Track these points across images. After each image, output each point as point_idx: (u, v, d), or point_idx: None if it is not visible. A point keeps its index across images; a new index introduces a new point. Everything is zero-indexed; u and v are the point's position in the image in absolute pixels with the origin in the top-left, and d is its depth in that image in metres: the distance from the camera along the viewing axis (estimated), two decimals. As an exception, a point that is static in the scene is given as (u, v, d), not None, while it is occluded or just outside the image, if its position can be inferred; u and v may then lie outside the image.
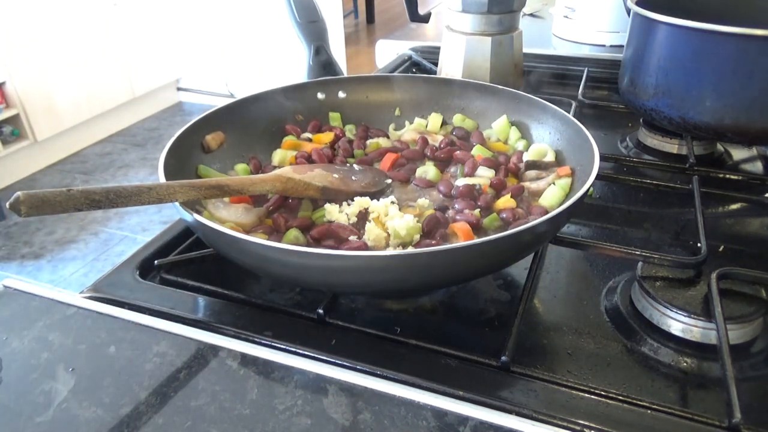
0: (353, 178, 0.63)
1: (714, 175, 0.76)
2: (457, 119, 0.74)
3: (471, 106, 0.74)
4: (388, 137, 0.74)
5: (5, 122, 2.82)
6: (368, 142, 0.72)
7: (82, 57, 3.09)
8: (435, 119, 0.74)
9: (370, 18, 5.13)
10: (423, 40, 1.29)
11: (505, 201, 0.58)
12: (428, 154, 0.68)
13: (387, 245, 0.53)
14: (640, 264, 0.55)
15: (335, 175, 0.61)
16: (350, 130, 0.74)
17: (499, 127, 0.71)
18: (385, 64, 1.19)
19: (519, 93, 0.71)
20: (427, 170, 0.64)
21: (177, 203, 0.48)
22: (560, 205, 0.56)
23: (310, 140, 0.71)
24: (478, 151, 0.67)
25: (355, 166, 0.66)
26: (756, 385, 0.47)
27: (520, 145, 0.68)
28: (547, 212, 0.56)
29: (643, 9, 0.78)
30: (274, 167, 0.66)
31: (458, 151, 0.67)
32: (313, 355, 0.46)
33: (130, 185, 0.45)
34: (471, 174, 0.63)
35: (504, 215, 0.56)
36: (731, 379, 0.42)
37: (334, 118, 0.74)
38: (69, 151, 3.22)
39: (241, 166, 0.66)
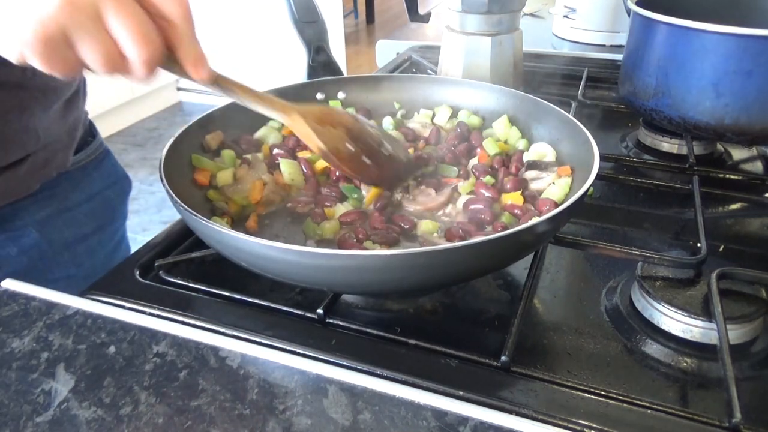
0: (368, 160, 0.57)
1: (714, 175, 0.76)
2: (463, 114, 0.73)
3: (471, 105, 0.74)
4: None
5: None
6: (384, 126, 0.72)
7: (82, 57, 3.09)
8: (444, 111, 0.74)
9: (370, 18, 5.13)
10: (423, 40, 1.29)
11: (514, 197, 0.58)
12: (443, 152, 0.68)
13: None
14: (640, 264, 0.55)
15: (350, 147, 0.56)
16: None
17: (499, 127, 0.71)
18: (385, 64, 1.19)
19: (519, 93, 0.71)
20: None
21: (179, 203, 0.48)
22: (560, 205, 0.56)
23: None
24: (490, 144, 0.67)
25: (387, 144, 0.59)
26: (756, 385, 0.47)
27: (521, 144, 0.68)
28: (557, 204, 0.56)
29: (643, 9, 0.78)
30: (256, 139, 0.68)
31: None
32: (313, 355, 0.46)
33: None
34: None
35: (516, 211, 0.57)
36: (731, 379, 0.42)
37: (334, 104, 0.74)
38: (69, 151, 3.22)
39: (227, 152, 0.65)
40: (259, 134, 0.69)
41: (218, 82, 0.50)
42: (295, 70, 0.88)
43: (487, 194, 0.60)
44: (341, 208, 0.58)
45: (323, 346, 0.47)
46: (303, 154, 0.65)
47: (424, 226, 0.56)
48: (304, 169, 0.63)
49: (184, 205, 0.48)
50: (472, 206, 0.58)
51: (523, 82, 1.01)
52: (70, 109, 0.73)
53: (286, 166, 0.62)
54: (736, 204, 0.74)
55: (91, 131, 0.82)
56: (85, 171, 0.78)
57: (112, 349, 0.45)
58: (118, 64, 0.42)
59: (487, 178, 0.62)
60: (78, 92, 0.75)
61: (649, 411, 0.42)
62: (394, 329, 0.49)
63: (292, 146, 0.67)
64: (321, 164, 0.64)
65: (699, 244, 0.57)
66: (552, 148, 0.65)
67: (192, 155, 0.62)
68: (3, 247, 0.70)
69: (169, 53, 0.44)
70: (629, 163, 0.81)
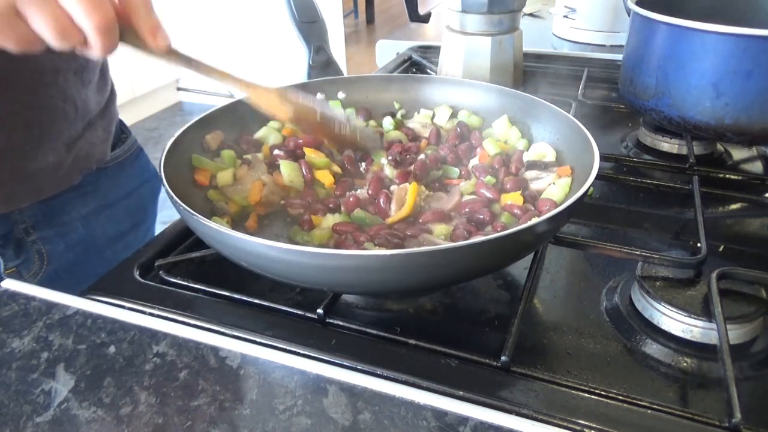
0: (341, 130, 0.62)
1: (714, 175, 0.76)
2: (463, 114, 0.74)
3: (471, 105, 0.74)
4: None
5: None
6: (384, 127, 0.72)
7: (82, 57, 3.09)
8: (444, 111, 0.74)
9: (370, 18, 5.13)
10: (423, 40, 1.29)
11: (514, 197, 0.58)
12: (446, 153, 0.67)
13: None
14: (640, 264, 0.55)
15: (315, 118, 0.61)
16: (350, 114, 0.74)
17: (499, 127, 0.71)
18: (385, 64, 1.19)
19: (519, 93, 0.71)
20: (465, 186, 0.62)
21: (179, 203, 0.48)
22: (560, 205, 0.56)
23: None
24: (491, 144, 0.67)
25: (353, 122, 0.65)
26: (756, 385, 0.47)
27: (521, 144, 0.68)
28: (557, 204, 0.56)
29: (643, 9, 0.78)
30: (256, 140, 0.69)
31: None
32: (313, 355, 0.46)
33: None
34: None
35: (516, 211, 0.56)
36: (731, 379, 0.42)
37: (335, 104, 0.74)
38: (69, 151, 3.22)
39: (227, 152, 0.65)
40: (259, 134, 0.69)
41: (176, 53, 0.51)
42: (295, 70, 0.88)
43: (488, 194, 0.59)
44: (330, 219, 0.57)
45: (323, 346, 0.47)
46: (309, 155, 0.65)
47: (438, 230, 0.55)
48: (305, 172, 0.63)
49: (183, 205, 0.48)
50: (469, 207, 0.58)
51: (523, 82, 1.01)
52: (101, 87, 0.76)
53: (286, 168, 0.62)
54: (736, 204, 0.74)
55: (122, 129, 0.86)
56: (122, 167, 0.82)
57: (112, 349, 0.45)
58: (72, 34, 0.42)
59: (488, 178, 0.62)
60: (105, 71, 0.78)
61: (649, 411, 0.42)
62: (394, 329, 0.49)
63: (293, 147, 0.67)
64: (321, 170, 0.64)
65: (699, 244, 0.57)
66: (552, 148, 0.65)
67: (192, 155, 0.62)
68: (51, 243, 0.74)
69: (126, 24, 0.45)
70: (629, 163, 0.81)
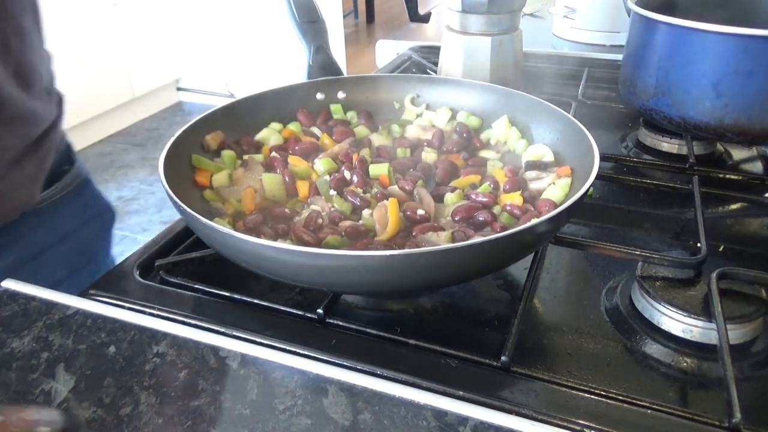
0: None
1: (714, 175, 0.76)
2: (462, 115, 0.73)
3: (471, 106, 0.74)
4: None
5: (5, 122, 2.81)
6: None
7: (81, 57, 3.09)
8: (443, 112, 0.73)
9: (370, 18, 5.13)
10: (423, 40, 1.29)
11: (513, 197, 0.58)
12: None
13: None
14: (640, 264, 0.55)
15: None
16: (352, 117, 0.74)
17: (499, 127, 0.71)
18: (385, 64, 1.19)
19: (519, 93, 0.71)
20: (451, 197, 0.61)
21: (179, 203, 0.48)
22: (560, 205, 0.56)
23: (316, 137, 0.70)
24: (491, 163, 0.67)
25: None
26: (756, 385, 0.47)
27: (520, 145, 0.68)
28: (556, 204, 0.56)
29: (643, 9, 0.78)
30: (257, 141, 0.68)
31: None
32: (313, 355, 0.46)
33: None
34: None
35: (516, 211, 0.56)
36: (731, 379, 0.42)
37: (336, 110, 0.74)
38: (69, 151, 3.22)
39: (227, 153, 0.64)
40: (260, 136, 0.69)
41: None
42: (295, 70, 0.88)
43: (481, 199, 0.59)
44: None
45: (323, 346, 0.47)
46: (292, 164, 0.64)
47: (438, 238, 0.54)
48: (286, 179, 0.62)
49: (183, 205, 0.48)
50: (461, 213, 0.57)
51: (523, 82, 1.01)
52: (46, 100, 0.62)
53: (268, 181, 0.61)
54: (736, 204, 0.74)
55: (69, 157, 0.70)
56: (55, 207, 0.67)
57: (112, 349, 0.45)
58: None
59: (483, 186, 0.61)
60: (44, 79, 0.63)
61: (649, 411, 0.42)
62: (394, 329, 0.49)
63: (292, 151, 0.66)
64: (303, 185, 0.62)
65: (699, 244, 0.57)
66: (549, 148, 0.65)
67: (192, 155, 0.62)
68: None
69: None
70: (629, 163, 0.81)
